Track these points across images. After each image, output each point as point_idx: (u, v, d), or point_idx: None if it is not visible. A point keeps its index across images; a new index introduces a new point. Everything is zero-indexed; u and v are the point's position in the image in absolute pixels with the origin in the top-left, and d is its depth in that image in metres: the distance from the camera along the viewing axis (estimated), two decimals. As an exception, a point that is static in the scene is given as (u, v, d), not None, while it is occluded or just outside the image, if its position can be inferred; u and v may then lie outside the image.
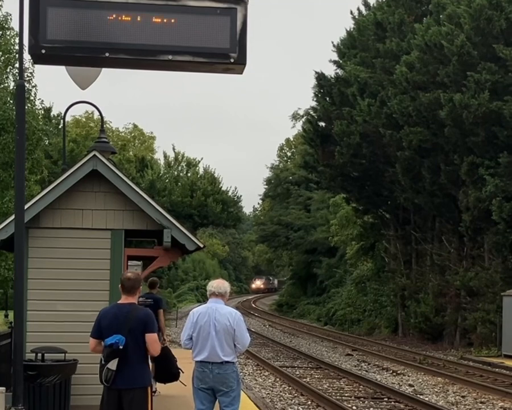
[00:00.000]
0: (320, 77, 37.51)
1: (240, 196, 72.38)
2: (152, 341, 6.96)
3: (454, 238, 32.95)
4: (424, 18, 31.81)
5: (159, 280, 17.94)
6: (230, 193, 69.36)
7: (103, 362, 7.01)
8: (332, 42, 39.00)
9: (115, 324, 6.96)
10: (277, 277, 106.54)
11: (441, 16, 30.91)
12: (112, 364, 6.93)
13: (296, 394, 17.61)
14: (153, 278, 14.48)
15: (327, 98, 37.47)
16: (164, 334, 13.90)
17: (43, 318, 10.88)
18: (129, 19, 4.80)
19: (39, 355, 10.34)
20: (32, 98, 29.96)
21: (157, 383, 13.20)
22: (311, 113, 41.02)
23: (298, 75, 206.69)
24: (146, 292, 15.09)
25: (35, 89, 30.44)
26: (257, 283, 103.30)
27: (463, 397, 17.64)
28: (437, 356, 27.28)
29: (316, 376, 21.16)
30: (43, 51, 4.78)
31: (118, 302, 7.25)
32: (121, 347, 6.89)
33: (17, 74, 26.47)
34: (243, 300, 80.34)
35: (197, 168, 69.42)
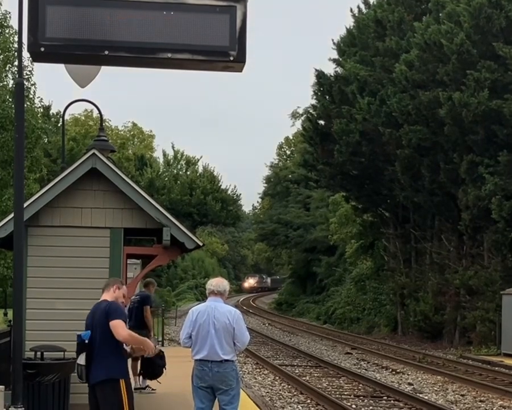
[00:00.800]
0: (320, 75, 37.49)
1: (240, 194, 72.54)
2: (113, 327, 6.98)
3: (453, 236, 32.95)
4: (424, 16, 31.79)
5: (158, 279, 17.96)
6: (229, 192, 69.50)
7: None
8: (332, 40, 38.99)
9: (90, 321, 7.22)
10: (274, 275, 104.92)
11: (440, 15, 30.89)
12: (80, 359, 7.04)
13: (295, 393, 17.61)
14: (147, 279, 14.52)
15: (327, 97, 37.45)
16: (151, 331, 13.89)
17: (42, 316, 10.86)
18: (128, 16, 4.79)
19: (38, 353, 10.32)
20: (31, 96, 29.92)
21: (147, 380, 13.26)
22: (311, 111, 40.99)
23: (298, 73, 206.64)
24: (141, 290, 15.13)
25: (34, 87, 30.42)
26: (250, 282, 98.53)
27: (462, 395, 17.64)
28: (437, 354, 27.29)
29: (316, 375, 21.16)
30: (42, 49, 4.76)
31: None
32: (86, 341, 6.97)
33: (16, 72, 26.46)
34: (242, 298, 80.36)
35: (196, 166, 69.54)
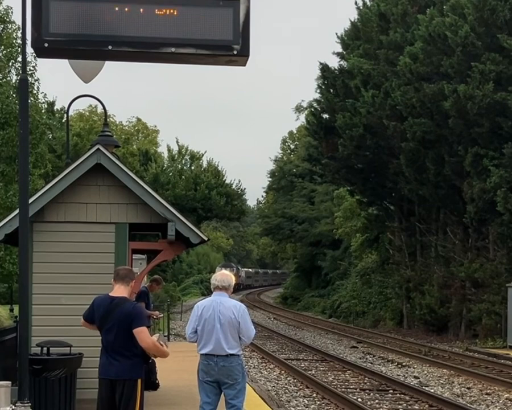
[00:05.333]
0: (324, 69, 37.42)
1: (244, 188, 72.21)
2: (138, 333, 6.99)
3: (458, 229, 32.90)
4: (428, 9, 31.65)
5: (163, 274, 17.86)
6: (233, 186, 69.33)
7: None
8: (336, 33, 38.90)
9: (104, 313, 7.13)
10: (250, 266, 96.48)
11: (444, 7, 30.78)
12: None
13: (301, 387, 17.63)
14: (154, 275, 14.33)
15: (331, 90, 37.39)
16: None
17: (48, 311, 10.88)
18: (132, 11, 4.78)
19: (44, 349, 10.34)
20: (35, 92, 29.85)
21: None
22: (315, 105, 40.93)
23: (302, 67, 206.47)
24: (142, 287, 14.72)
25: (38, 82, 30.34)
26: None
27: (468, 388, 17.63)
28: (442, 347, 27.27)
29: (321, 369, 21.17)
30: (46, 44, 4.76)
31: (110, 293, 7.31)
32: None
33: (20, 68, 26.44)
34: (247, 293, 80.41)
35: (201, 161, 69.36)
